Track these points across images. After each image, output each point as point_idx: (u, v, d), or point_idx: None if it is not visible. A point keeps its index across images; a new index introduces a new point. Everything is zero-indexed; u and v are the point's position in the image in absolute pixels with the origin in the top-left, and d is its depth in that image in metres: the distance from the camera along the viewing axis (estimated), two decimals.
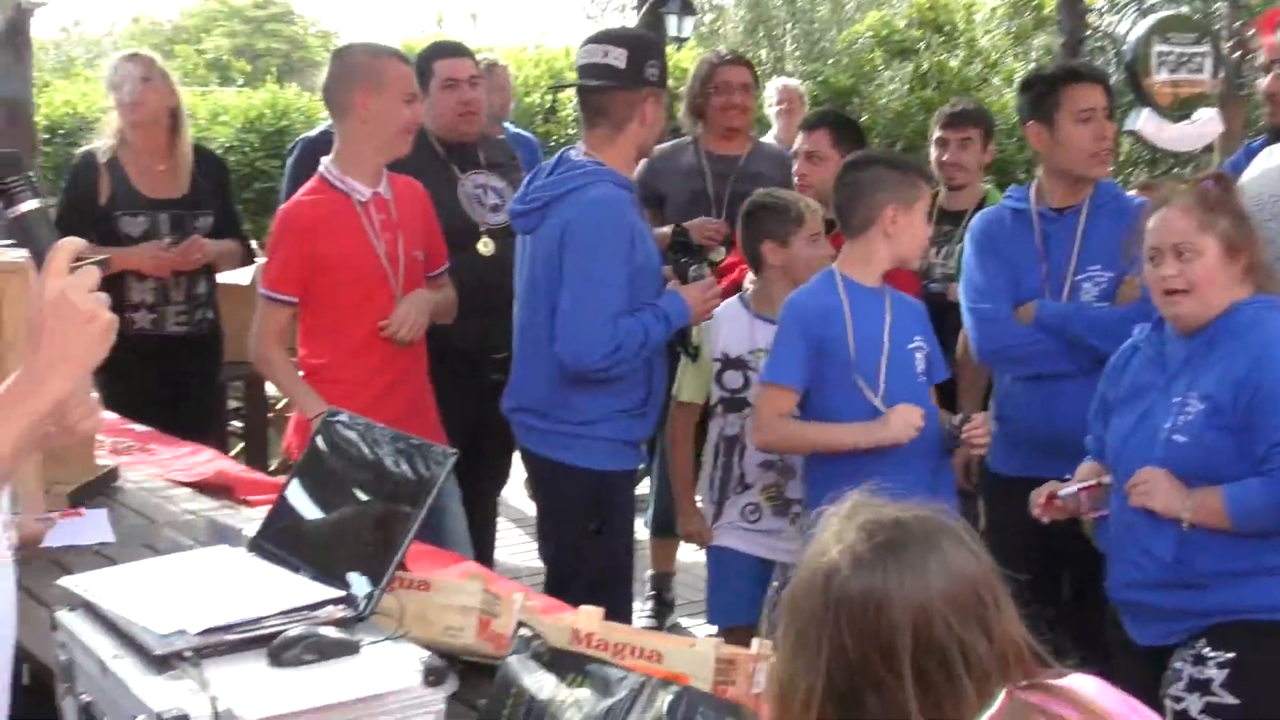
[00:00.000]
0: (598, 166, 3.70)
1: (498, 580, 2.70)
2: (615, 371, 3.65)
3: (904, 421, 3.46)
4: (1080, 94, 3.78)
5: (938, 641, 1.45)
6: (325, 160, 3.88)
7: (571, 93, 4.53)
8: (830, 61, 14.34)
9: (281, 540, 2.32)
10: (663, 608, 5.45)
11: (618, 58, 3.72)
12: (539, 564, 4.05)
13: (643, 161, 4.48)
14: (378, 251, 3.82)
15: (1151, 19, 9.86)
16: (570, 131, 9.90)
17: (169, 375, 4.86)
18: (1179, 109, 9.70)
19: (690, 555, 5.59)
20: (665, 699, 1.86)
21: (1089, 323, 3.65)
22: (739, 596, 4.02)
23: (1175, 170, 12.23)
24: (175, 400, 4.83)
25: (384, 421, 3.75)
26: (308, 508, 2.33)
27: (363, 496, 2.27)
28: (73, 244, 1.66)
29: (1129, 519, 2.97)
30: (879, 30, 14.43)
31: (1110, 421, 3.15)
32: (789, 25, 18.35)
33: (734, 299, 4.00)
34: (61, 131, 8.75)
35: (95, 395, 1.76)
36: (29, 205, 1.72)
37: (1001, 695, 1.39)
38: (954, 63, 14.11)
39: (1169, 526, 2.89)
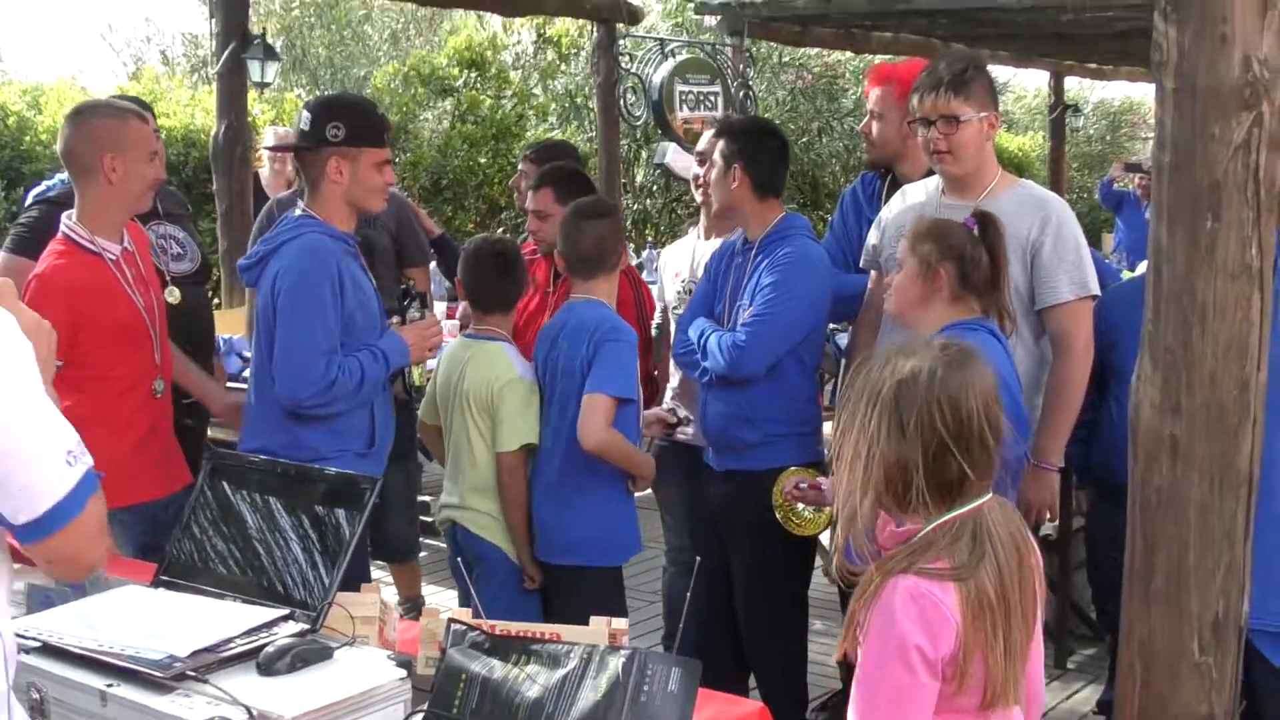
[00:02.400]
0: (309, 220, 3.99)
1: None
2: (333, 408, 3.90)
3: None
4: None
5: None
6: (68, 220, 3.93)
7: None
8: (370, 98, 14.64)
9: (191, 576, 2.54)
10: None
11: (305, 121, 4.01)
12: None
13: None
14: (139, 307, 3.96)
15: (672, 62, 10.77)
16: None
17: None
18: (697, 142, 10.68)
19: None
20: (617, 662, 2.22)
21: (686, 345, 4.35)
22: None
23: (685, 197, 13.45)
24: None
25: (147, 463, 3.89)
26: (216, 544, 2.55)
27: (273, 528, 2.53)
28: None
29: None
30: (419, 69, 14.87)
31: None
32: (326, 68, 18.46)
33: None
34: None
35: None
36: None
37: None
38: (488, 99, 14.76)
39: None
